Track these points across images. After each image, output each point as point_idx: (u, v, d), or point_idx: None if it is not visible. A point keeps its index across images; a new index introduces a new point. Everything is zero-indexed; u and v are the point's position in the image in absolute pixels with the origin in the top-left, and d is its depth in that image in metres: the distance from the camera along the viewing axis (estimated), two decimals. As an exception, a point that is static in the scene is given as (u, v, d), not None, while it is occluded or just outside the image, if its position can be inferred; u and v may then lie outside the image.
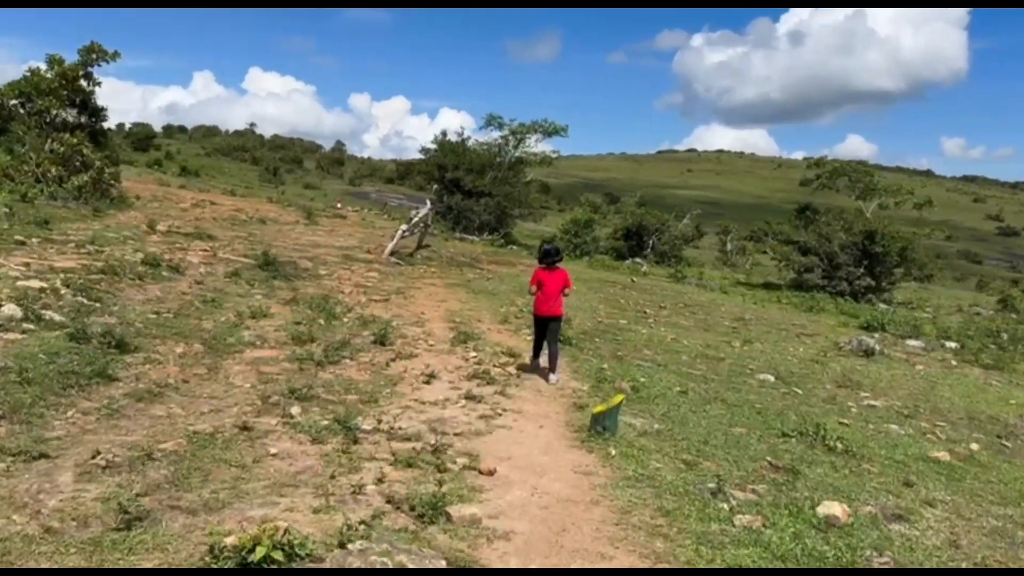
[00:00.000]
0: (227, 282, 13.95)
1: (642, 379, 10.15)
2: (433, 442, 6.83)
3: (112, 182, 23.64)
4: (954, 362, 16.57)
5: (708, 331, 16.49)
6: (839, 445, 8.32)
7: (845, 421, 9.82)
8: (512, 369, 10.06)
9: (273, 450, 6.35)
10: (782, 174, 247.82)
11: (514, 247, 31.57)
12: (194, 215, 24.47)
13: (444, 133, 35.10)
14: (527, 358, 10.84)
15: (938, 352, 17.76)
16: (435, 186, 22.94)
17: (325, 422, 7.13)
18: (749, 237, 55.91)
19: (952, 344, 18.76)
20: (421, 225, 23.23)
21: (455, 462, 6.39)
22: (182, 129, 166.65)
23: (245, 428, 6.80)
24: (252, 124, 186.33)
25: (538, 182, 41.51)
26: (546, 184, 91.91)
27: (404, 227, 21.16)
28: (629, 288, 22.64)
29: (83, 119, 22.95)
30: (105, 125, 24.03)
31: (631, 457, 6.80)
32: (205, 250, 17.02)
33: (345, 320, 12.12)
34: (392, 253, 20.85)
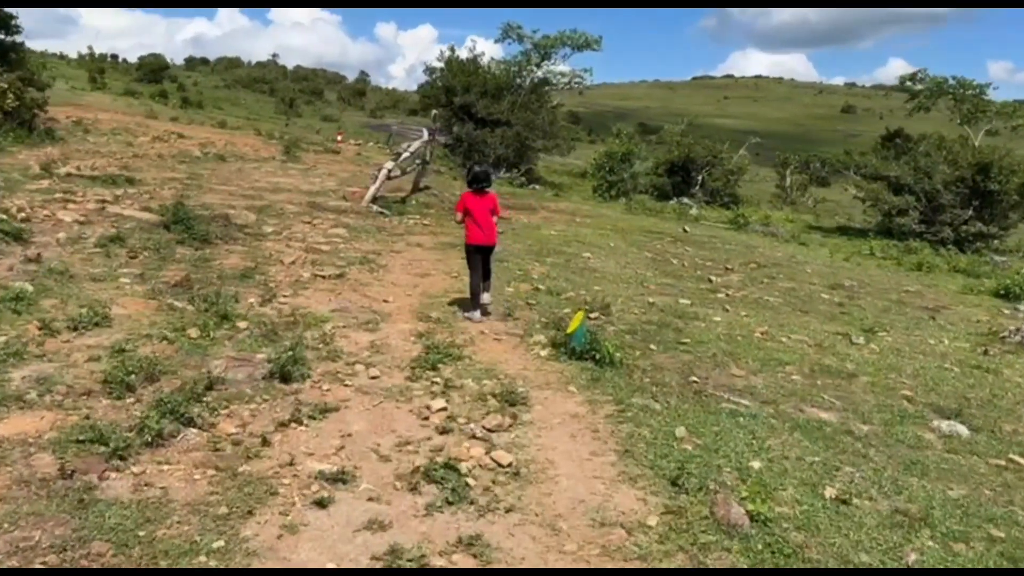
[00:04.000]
0: (92, 253, 9.27)
1: (755, 463, 5.33)
2: None
3: (35, 110, 18.93)
4: None
5: (806, 312, 11.54)
6: None
7: None
8: (506, 438, 5.30)
9: None
10: (823, 100, 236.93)
11: (537, 187, 26.51)
12: (136, 152, 19.77)
13: (452, 49, 29.67)
14: (539, 402, 6.15)
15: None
16: (435, 111, 17.97)
17: None
18: (796, 168, 49.86)
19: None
20: (417, 161, 18.27)
21: None
22: (204, 61, 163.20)
23: None
24: (275, 55, 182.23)
25: (565, 109, 35.94)
26: (574, 113, 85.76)
27: (390, 164, 16.25)
28: (681, 241, 17.62)
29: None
30: (18, 39, 19.10)
31: None
32: (105, 200, 12.37)
33: (242, 325, 7.38)
34: (376, 199, 16.00)
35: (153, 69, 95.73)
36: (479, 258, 8.64)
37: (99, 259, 9.09)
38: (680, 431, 5.68)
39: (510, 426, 5.61)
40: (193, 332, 6.93)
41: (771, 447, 5.75)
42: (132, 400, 5.50)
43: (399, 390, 6.25)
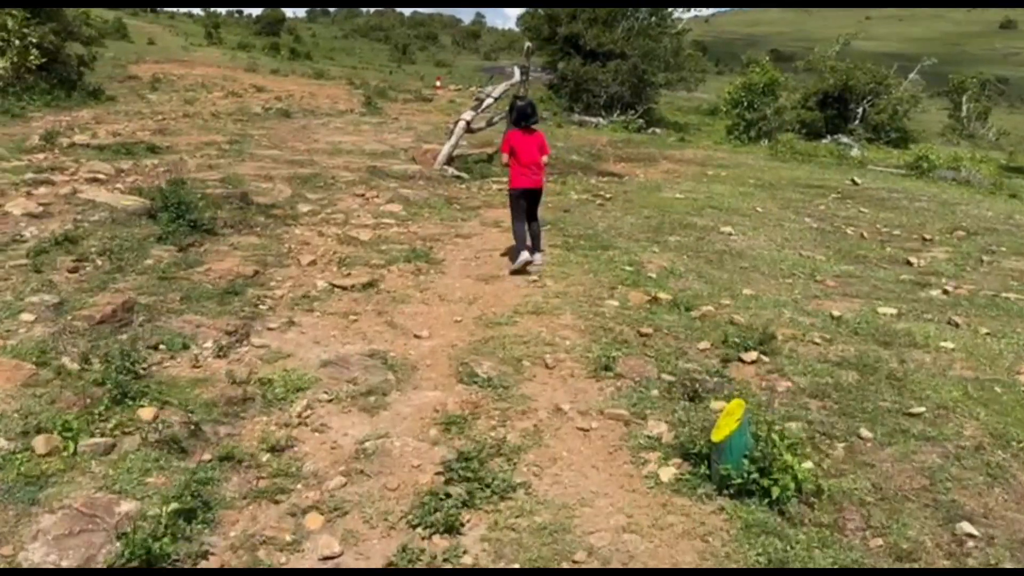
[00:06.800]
0: (14, 267, 6.49)
1: None
2: None
3: (80, 67, 16.73)
4: None
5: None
6: None
7: None
8: None
9: None
10: (977, 16, 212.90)
11: (657, 130, 22.40)
12: (190, 111, 17.28)
13: (555, -30, 25.47)
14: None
15: None
16: (527, 44, 14.44)
17: None
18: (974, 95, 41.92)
19: None
20: (507, 110, 14.82)
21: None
22: (325, 13, 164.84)
23: None
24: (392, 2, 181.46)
25: (691, 36, 31.03)
26: (699, 42, 78.97)
27: (469, 115, 12.90)
28: (851, 198, 13.44)
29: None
30: (55, -14, 16.75)
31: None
32: (97, 178, 9.76)
33: (146, 414, 4.33)
34: (451, 159, 12.77)
35: (270, 22, 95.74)
36: (525, 204, 7.74)
37: (17, 276, 6.29)
38: None
39: None
40: (43, 442, 3.94)
41: None
42: None
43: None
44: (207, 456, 4.02)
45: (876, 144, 23.31)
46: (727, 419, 3.79)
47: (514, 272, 7.46)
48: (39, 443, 3.94)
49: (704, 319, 6.49)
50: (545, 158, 7.85)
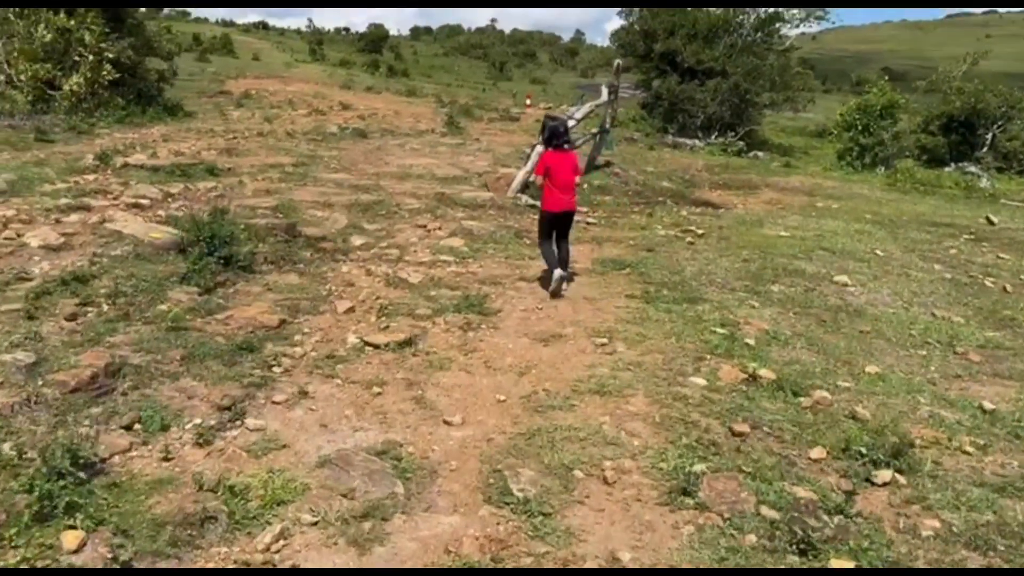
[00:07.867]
0: (5, 313, 5.69)
1: None
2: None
3: (160, 83, 16.48)
4: None
5: None
6: None
7: None
8: None
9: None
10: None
11: (759, 155, 20.70)
12: (265, 128, 16.79)
13: (655, -18, 24.09)
14: None
15: None
16: (617, 62, 13.21)
17: None
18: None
19: None
20: (593, 131, 13.65)
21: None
22: (428, 31, 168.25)
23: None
24: (493, 20, 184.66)
25: (797, 56, 29.03)
26: (805, 60, 75.77)
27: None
28: (986, 240, 11.59)
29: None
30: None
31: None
32: (140, 204, 9.10)
33: (70, 541, 3.32)
34: (526, 187, 11.66)
35: (373, 40, 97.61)
36: (557, 228, 7.55)
37: (3, 325, 5.49)
38: None
39: None
40: (-88, 586, 2.96)
41: None
42: None
43: None
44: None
45: (1007, 174, 20.91)
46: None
47: (553, 295, 7.22)
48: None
49: (817, 410, 5.09)
50: (578, 178, 7.70)
